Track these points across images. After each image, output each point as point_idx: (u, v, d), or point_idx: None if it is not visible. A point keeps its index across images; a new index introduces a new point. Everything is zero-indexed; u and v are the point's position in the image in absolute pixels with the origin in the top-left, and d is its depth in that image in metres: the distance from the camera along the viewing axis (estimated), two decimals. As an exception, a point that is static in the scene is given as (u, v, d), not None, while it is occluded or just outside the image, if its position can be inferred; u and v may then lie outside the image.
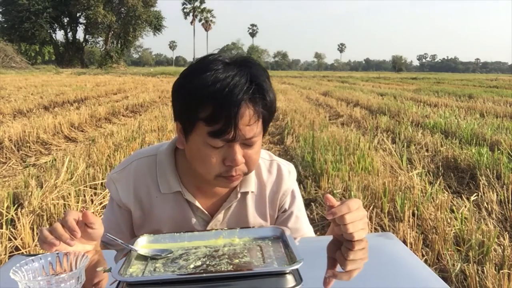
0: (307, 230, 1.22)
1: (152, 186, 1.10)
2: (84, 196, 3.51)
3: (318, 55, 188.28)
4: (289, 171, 1.19)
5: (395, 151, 5.37)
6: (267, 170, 1.17)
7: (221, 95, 0.90)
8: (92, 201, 3.49)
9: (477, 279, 2.23)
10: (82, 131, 7.49)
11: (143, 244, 0.94)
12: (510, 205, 3.47)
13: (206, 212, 1.12)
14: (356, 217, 0.94)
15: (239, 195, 1.12)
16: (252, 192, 1.14)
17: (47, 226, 0.95)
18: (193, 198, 1.10)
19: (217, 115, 0.90)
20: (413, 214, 3.17)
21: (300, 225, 1.20)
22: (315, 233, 1.28)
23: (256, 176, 1.15)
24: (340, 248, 0.94)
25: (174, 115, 1.03)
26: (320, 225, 3.14)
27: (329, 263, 0.90)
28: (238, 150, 0.95)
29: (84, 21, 61.45)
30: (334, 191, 3.66)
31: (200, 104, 0.92)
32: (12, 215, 3.05)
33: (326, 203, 0.96)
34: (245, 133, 0.93)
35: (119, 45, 63.01)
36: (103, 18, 56.64)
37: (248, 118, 0.93)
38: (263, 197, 1.16)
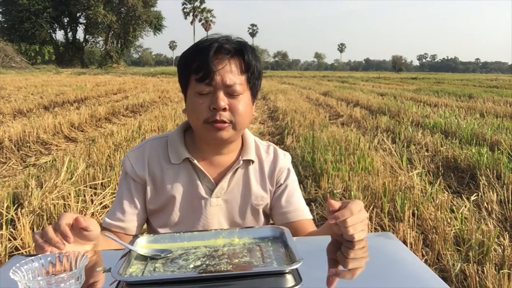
0: (301, 204, 1.28)
1: (163, 160, 1.22)
2: (84, 196, 3.51)
3: (318, 55, 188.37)
4: (284, 154, 1.32)
5: (395, 151, 5.37)
6: (265, 151, 1.30)
7: (203, 48, 1.10)
8: (92, 201, 3.49)
9: (477, 279, 2.23)
10: (82, 131, 7.49)
11: (142, 244, 0.94)
12: (510, 205, 3.47)
13: (212, 180, 1.20)
14: (357, 219, 0.95)
15: (241, 162, 1.22)
16: (253, 163, 1.25)
17: (42, 229, 0.97)
18: (200, 165, 1.20)
19: (201, 63, 1.09)
20: (413, 214, 3.17)
21: (294, 199, 1.27)
22: (314, 222, 1.30)
23: (256, 155, 1.27)
24: (340, 249, 0.94)
25: (181, 88, 1.21)
26: (320, 225, 3.14)
27: (330, 263, 0.90)
28: (221, 96, 1.09)
29: (84, 21, 61.48)
30: (334, 191, 3.66)
31: (191, 60, 1.12)
32: (12, 215, 3.05)
33: (329, 208, 0.96)
34: (225, 79, 1.09)
35: (119, 45, 63.02)
36: (103, 18, 56.63)
37: (226, 64, 1.10)
38: (263, 173, 1.27)
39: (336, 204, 0.96)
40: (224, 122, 1.10)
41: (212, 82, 1.08)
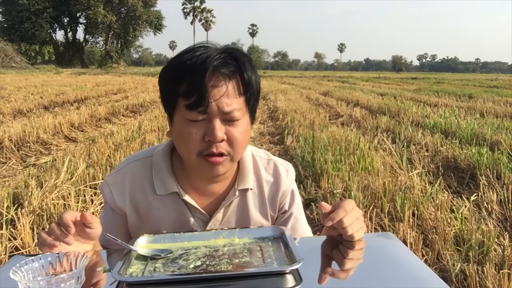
0: (306, 230, 1.23)
1: (148, 188, 1.08)
2: (84, 196, 3.51)
3: (318, 55, 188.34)
4: (287, 170, 1.18)
5: (395, 151, 5.37)
6: (264, 170, 1.16)
7: (194, 67, 0.92)
8: (92, 201, 3.49)
9: (477, 279, 2.23)
10: (82, 131, 7.49)
11: (143, 244, 0.94)
12: (510, 205, 3.47)
13: (204, 212, 1.09)
14: (353, 218, 0.94)
15: (237, 192, 1.10)
16: (251, 189, 1.12)
17: (46, 228, 0.94)
18: (190, 198, 1.08)
19: (191, 87, 0.92)
20: (413, 214, 3.17)
21: (300, 226, 1.20)
22: (315, 233, 1.28)
23: (254, 174, 1.14)
24: (338, 247, 0.94)
25: (163, 107, 1.04)
26: (320, 225, 3.14)
27: (324, 261, 0.90)
28: (218, 125, 0.94)
29: (84, 21, 61.58)
30: (334, 191, 3.66)
31: (178, 81, 0.94)
32: (12, 215, 3.05)
33: (321, 211, 0.95)
34: (222, 106, 0.93)
35: (119, 45, 63.03)
36: (103, 18, 56.65)
37: (223, 89, 0.93)
38: (263, 197, 1.15)
39: (328, 206, 0.95)
40: (222, 154, 0.96)
41: (206, 110, 0.93)
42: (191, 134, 0.95)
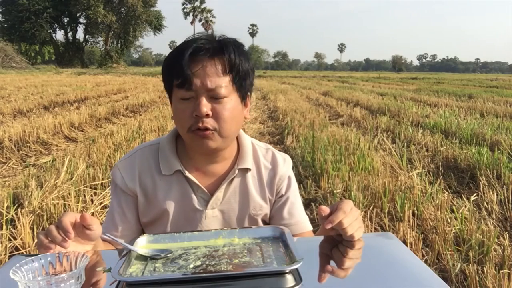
0: (303, 217, 1.26)
1: (155, 170, 1.16)
2: (84, 196, 3.51)
3: (318, 55, 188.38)
4: (284, 159, 1.25)
5: (395, 151, 5.37)
6: (263, 157, 1.24)
7: (182, 50, 1.04)
8: (92, 201, 3.49)
9: (477, 279, 2.23)
10: (82, 131, 7.49)
11: (142, 244, 0.94)
12: (510, 205, 3.47)
13: (206, 191, 1.15)
14: (352, 218, 0.95)
15: (236, 171, 1.16)
16: (250, 170, 1.19)
17: (46, 228, 0.95)
18: (193, 177, 1.14)
19: (179, 67, 1.03)
20: (413, 214, 3.18)
21: (296, 211, 1.24)
22: (314, 233, 1.28)
23: (254, 160, 1.21)
24: (337, 246, 0.95)
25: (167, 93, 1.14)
26: (320, 225, 3.14)
27: (324, 261, 0.90)
28: (204, 102, 1.03)
29: (84, 21, 61.50)
30: (334, 191, 3.66)
31: (171, 65, 1.06)
32: (12, 215, 3.05)
33: (321, 214, 0.96)
34: (206, 83, 1.02)
35: (119, 45, 63.01)
36: (103, 18, 56.63)
37: (206, 67, 1.03)
38: (262, 181, 1.21)
39: (327, 209, 0.96)
40: (207, 129, 1.04)
41: (191, 87, 1.02)
42: (181, 111, 1.05)
